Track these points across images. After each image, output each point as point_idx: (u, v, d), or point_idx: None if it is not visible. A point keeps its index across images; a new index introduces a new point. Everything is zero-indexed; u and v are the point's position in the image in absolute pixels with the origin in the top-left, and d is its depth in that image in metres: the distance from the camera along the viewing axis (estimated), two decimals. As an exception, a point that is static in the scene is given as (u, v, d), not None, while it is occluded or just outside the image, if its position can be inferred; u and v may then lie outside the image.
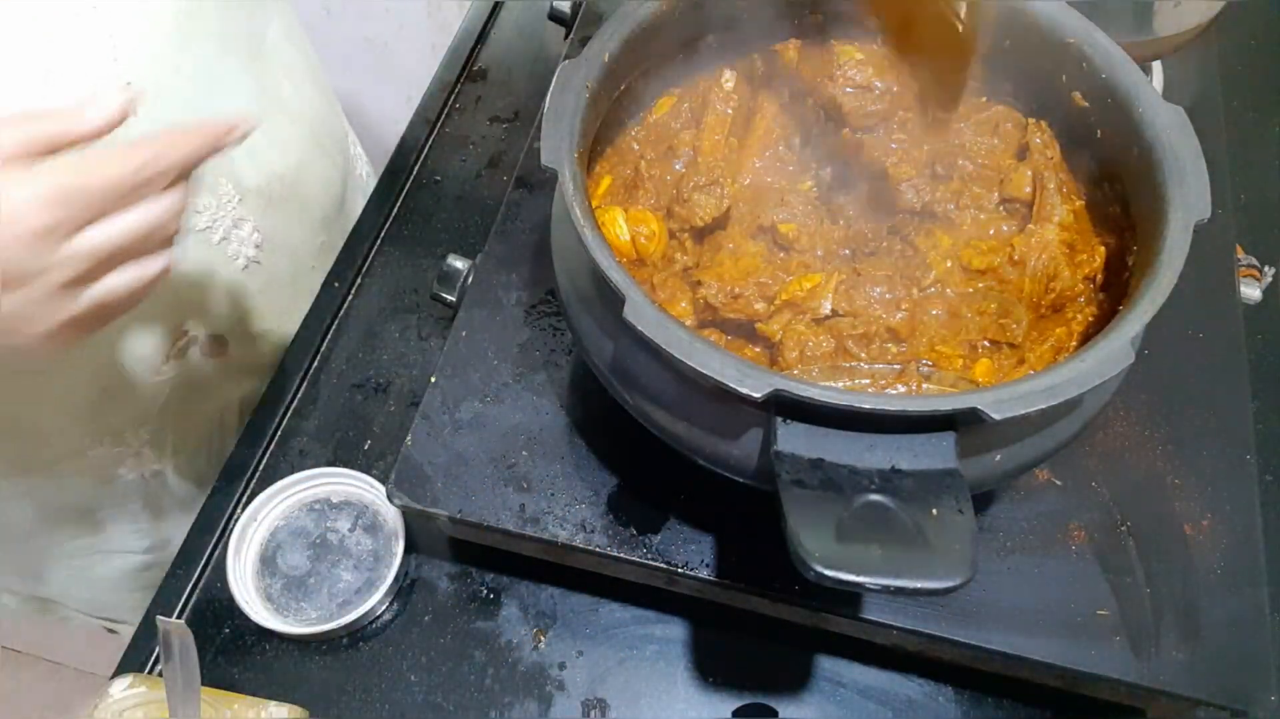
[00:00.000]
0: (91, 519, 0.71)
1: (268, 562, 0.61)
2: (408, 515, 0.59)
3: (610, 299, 0.44)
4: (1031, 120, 0.54)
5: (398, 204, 0.81)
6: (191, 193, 0.56)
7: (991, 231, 0.52)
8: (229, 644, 0.59)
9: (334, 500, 0.63)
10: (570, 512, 0.53)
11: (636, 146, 0.58)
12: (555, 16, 0.79)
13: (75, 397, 0.61)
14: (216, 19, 0.58)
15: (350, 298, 0.75)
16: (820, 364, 0.47)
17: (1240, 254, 0.65)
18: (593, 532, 0.52)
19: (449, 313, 0.62)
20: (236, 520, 0.60)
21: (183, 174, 0.43)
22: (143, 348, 0.61)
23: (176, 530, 0.69)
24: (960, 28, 0.45)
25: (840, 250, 0.52)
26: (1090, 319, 0.49)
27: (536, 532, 0.52)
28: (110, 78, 0.51)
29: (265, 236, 0.67)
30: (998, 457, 0.42)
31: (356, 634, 0.59)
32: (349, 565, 0.61)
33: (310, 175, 0.72)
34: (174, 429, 0.69)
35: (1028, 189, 0.53)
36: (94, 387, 0.61)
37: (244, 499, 0.64)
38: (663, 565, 0.52)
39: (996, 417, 0.36)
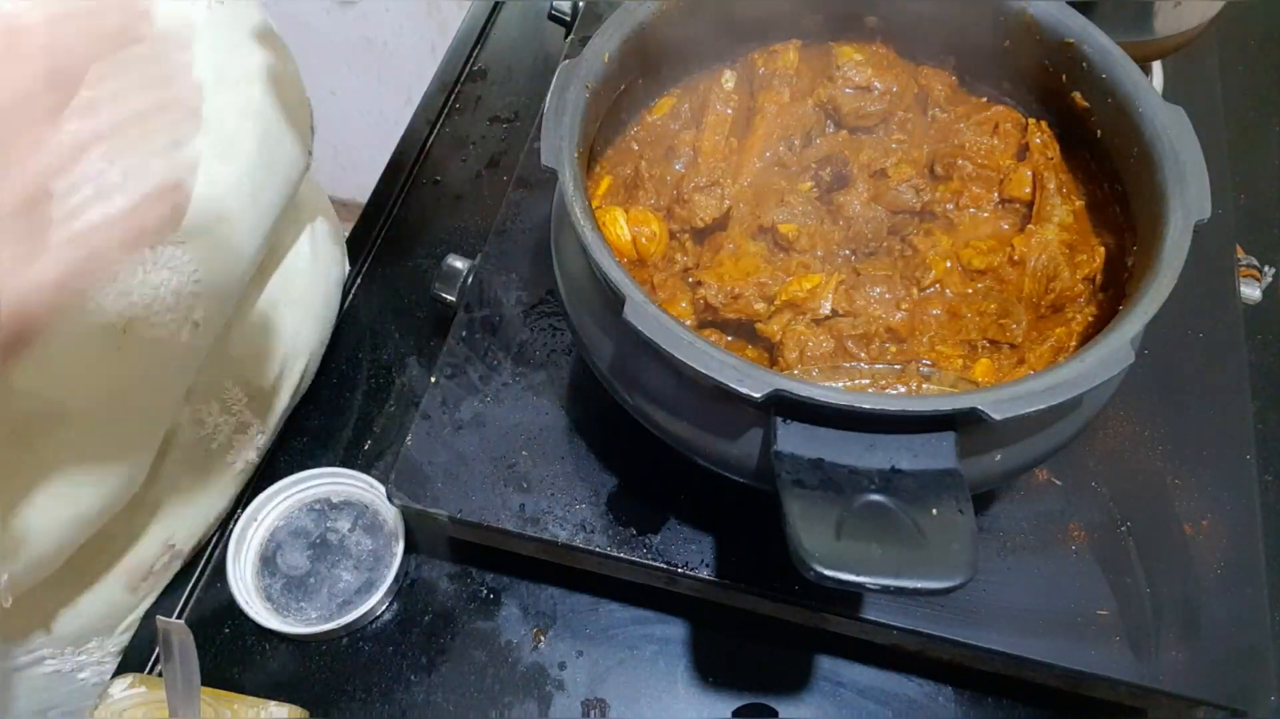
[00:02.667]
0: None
1: (268, 562, 0.61)
2: (408, 515, 0.59)
3: (610, 299, 0.44)
4: (1031, 120, 0.54)
5: (398, 204, 0.81)
6: (193, 402, 0.55)
7: (991, 232, 0.52)
8: (229, 644, 0.59)
9: (334, 500, 0.63)
10: (570, 512, 0.53)
11: (636, 146, 0.58)
12: (555, 16, 0.79)
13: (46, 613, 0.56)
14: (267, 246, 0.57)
15: (350, 298, 0.75)
16: (820, 364, 0.47)
17: (1240, 254, 0.65)
18: (593, 532, 0.52)
19: (449, 313, 0.62)
20: (236, 520, 0.60)
21: None
22: (124, 564, 0.57)
23: None
24: None
25: (840, 250, 0.52)
26: (1090, 319, 0.49)
27: (536, 532, 0.52)
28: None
29: (269, 434, 0.64)
30: (998, 456, 0.42)
31: (356, 634, 0.59)
32: (349, 565, 0.61)
33: (314, 351, 0.69)
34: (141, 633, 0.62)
35: (1028, 189, 0.53)
36: (58, 602, 0.56)
37: (244, 499, 0.64)
38: (663, 565, 0.52)
39: (996, 417, 0.36)
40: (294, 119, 0.57)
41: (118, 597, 0.59)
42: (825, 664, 0.57)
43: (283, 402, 0.66)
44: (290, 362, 0.65)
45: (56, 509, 0.46)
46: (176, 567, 0.61)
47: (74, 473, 0.46)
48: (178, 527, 0.59)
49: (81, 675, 0.61)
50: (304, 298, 0.66)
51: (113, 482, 0.49)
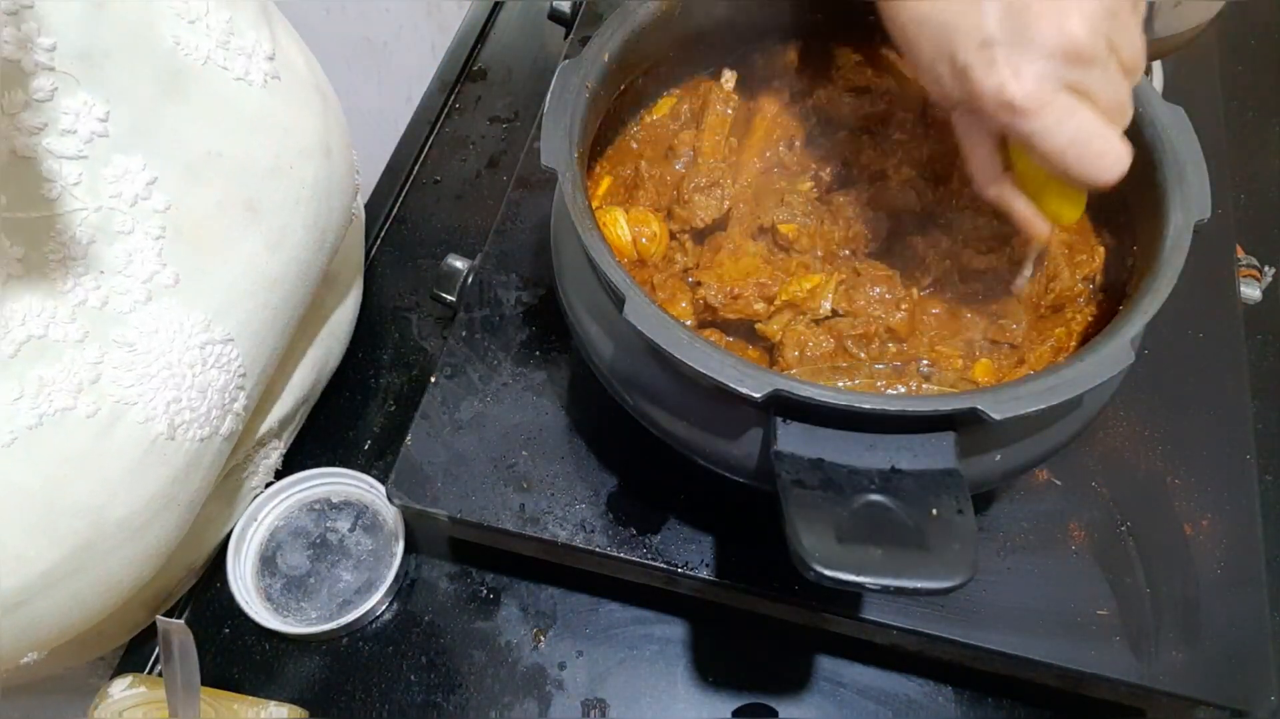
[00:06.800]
0: None
1: (268, 562, 0.61)
2: (407, 515, 0.59)
3: (610, 299, 0.44)
4: (1031, 120, 0.54)
5: (398, 204, 0.81)
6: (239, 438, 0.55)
7: (991, 232, 0.52)
8: (229, 644, 0.59)
9: (334, 500, 0.63)
10: (570, 512, 0.53)
11: (636, 146, 0.58)
12: (555, 16, 0.79)
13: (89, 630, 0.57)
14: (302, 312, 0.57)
15: (350, 298, 0.75)
16: (820, 364, 0.47)
17: (1240, 254, 0.65)
18: (593, 532, 0.52)
19: (449, 313, 0.62)
20: (237, 521, 0.60)
21: None
22: (149, 592, 0.57)
23: None
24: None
25: (840, 250, 0.52)
26: (1090, 319, 0.49)
27: (536, 532, 0.52)
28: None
29: (285, 449, 0.65)
30: (998, 457, 0.42)
31: (356, 634, 0.59)
32: (349, 565, 0.61)
33: (335, 367, 0.70)
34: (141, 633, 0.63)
35: (1028, 189, 0.53)
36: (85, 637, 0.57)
37: (244, 499, 0.64)
38: (663, 565, 0.52)
39: (996, 417, 0.36)
40: (343, 186, 0.56)
41: (139, 618, 0.59)
42: (825, 664, 0.57)
43: (303, 418, 0.66)
44: (318, 385, 0.66)
45: (93, 599, 0.47)
46: (191, 582, 0.62)
47: (114, 573, 0.46)
48: (202, 551, 0.60)
49: (91, 681, 0.61)
50: (336, 329, 0.67)
51: (152, 564, 0.49)
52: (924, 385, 0.47)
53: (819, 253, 0.51)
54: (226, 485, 0.59)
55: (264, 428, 0.58)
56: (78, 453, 0.43)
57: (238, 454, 0.57)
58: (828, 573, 0.33)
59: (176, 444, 0.46)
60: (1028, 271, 0.49)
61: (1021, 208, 0.43)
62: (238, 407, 0.50)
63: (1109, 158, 0.37)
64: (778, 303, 0.48)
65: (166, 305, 0.45)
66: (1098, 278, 0.50)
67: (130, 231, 0.43)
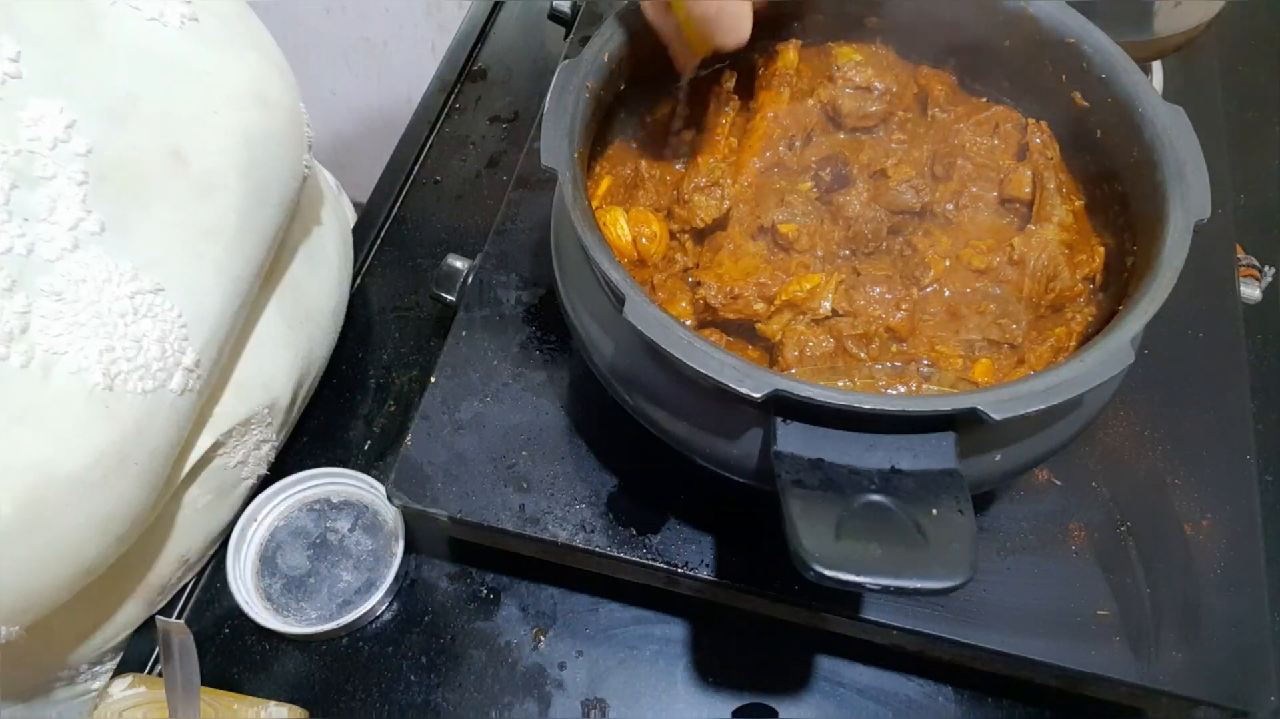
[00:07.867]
0: None
1: (268, 562, 0.61)
2: (408, 515, 0.59)
3: (610, 299, 0.44)
4: (1031, 120, 0.54)
5: (398, 204, 0.81)
6: (217, 430, 0.55)
7: (991, 232, 0.52)
8: (229, 644, 0.59)
9: (334, 500, 0.63)
10: (570, 512, 0.53)
11: (636, 146, 0.58)
12: (555, 16, 0.79)
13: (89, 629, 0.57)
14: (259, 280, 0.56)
15: (350, 297, 0.75)
16: (820, 364, 0.47)
17: (1240, 254, 0.65)
18: (593, 532, 0.52)
19: (449, 313, 0.62)
20: (236, 520, 0.60)
21: None
22: (143, 585, 0.57)
23: None
24: None
25: (840, 250, 0.52)
26: (1090, 319, 0.49)
27: (536, 532, 0.52)
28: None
29: (279, 444, 0.64)
30: (998, 457, 0.42)
31: (356, 634, 0.59)
32: (349, 565, 0.61)
33: (325, 359, 0.69)
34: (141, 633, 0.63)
35: (1027, 189, 0.53)
36: (80, 631, 0.57)
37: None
38: (663, 565, 0.52)
39: (996, 417, 0.36)
40: (285, 137, 0.54)
41: (135, 613, 0.59)
42: (825, 664, 0.57)
43: (295, 413, 0.66)
44: (306, 375, 0.65)
45: (54, 563, 0.46)
46: (189, 578, 0.62)
47: (71, 534, 0.45)
48: (194, 543, 0.60)
49: (95, 686, 0.61)
50: (318, 313, 0.66)
51: (115, 531, 0.48)
52: (924, 385, 0.47)
53: (819, 253, 0.51)
54: (214, 476, 0.58)
55: (246, 411, 0.57)
56: (16, 404, 0.42)
57: (215, 430, 0.55)
58: (827, 573, 0.33)
59: (117, 395, 0.45)
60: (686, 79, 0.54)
61: (675, 36, 0.49)
62: (187, 360, 0.49)
63: (736, 32, 0.45)
64: (778, 303, 0.48)
65: (94, 254, 0.44)
66: (1098, 278, 0.50)
67: (52, 177, 0.43)
